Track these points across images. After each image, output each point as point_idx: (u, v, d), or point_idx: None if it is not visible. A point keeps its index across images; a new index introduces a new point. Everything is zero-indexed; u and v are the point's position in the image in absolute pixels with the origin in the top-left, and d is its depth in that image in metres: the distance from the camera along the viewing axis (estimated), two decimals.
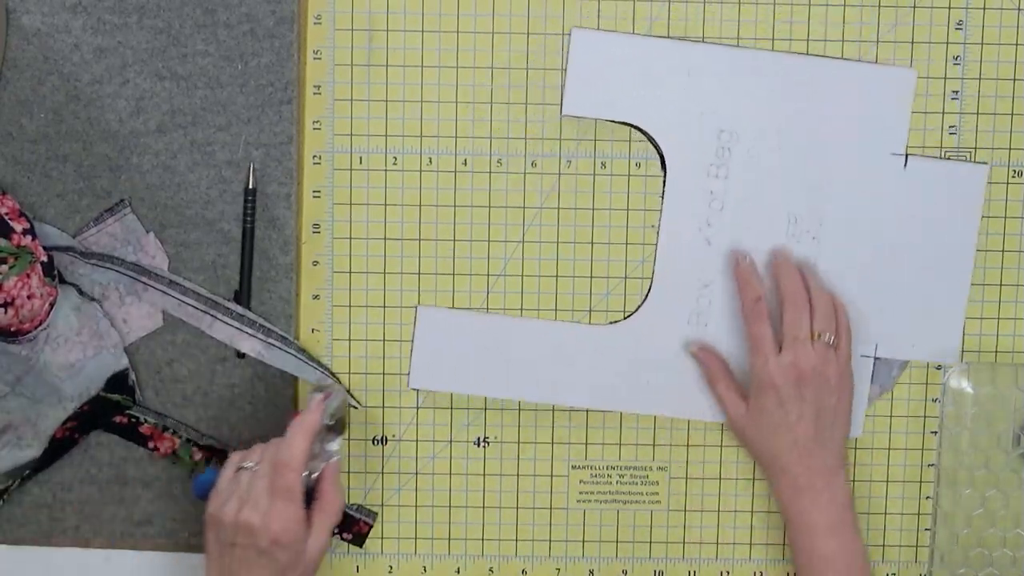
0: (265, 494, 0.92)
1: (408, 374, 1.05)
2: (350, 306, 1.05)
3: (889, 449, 1.06)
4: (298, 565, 0.93)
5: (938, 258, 1.03)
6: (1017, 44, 1.04)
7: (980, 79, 1.04)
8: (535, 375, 1.04)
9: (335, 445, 0.98)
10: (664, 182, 1.03)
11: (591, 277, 1.05)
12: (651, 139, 1.03)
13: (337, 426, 0.99)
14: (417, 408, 1.06)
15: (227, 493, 0.94)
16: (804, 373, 0.97)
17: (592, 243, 1.04)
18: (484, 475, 1.06)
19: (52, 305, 0.98)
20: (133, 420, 1.03)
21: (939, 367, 1.06)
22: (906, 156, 1.03)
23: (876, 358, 1.04)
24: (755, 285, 1.01)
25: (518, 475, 1.07)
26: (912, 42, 1.03)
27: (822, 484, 0.99)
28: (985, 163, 1.04)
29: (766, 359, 0.99)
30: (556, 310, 1.05)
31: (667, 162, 1.03)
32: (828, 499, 0.99)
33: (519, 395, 1.04)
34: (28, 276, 0.96)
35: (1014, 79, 1.04)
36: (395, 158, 1.04)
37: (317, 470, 0.96)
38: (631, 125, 1.03)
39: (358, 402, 1.05)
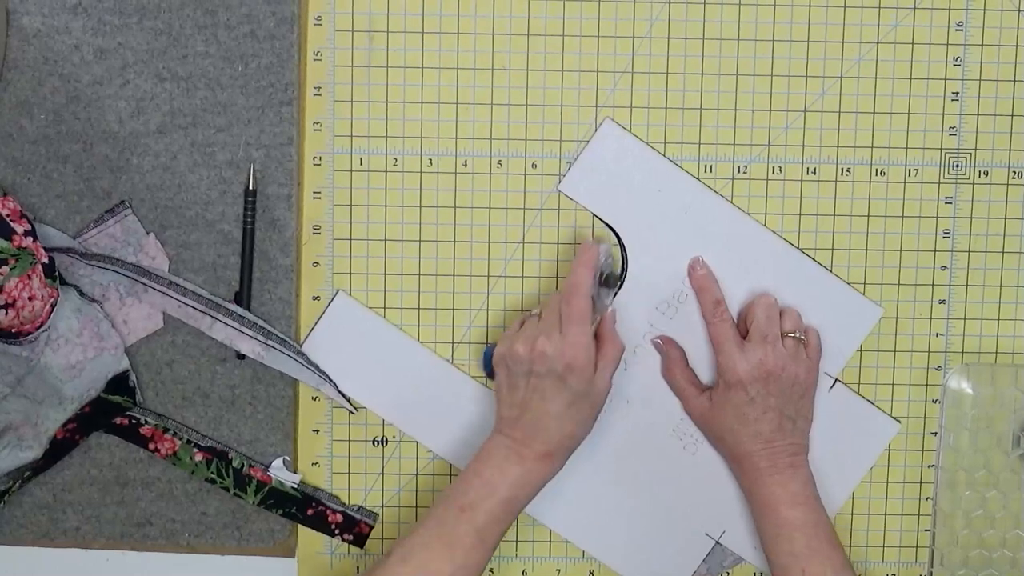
0: (556, 325, 0.96)
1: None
2: None
3: (889, 450, 1.06)
4: (589, 395, 0.97)
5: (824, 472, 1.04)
6: (1017, 45, 1.04)
7: (980, 80, 1.04)
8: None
9: (608, 299, 1.02)
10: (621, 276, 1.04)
11: None
12: (623, 251, 1.03)
13: (609, 280, 1.02)
14: None
15: (518, 334, 0.98)
16: (772, 372, 0.99)
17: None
18: None
19: (53, 306, 0.98)
20: (134, 421, 1.04)
21: (939, 367, 1.06)
22: (835, 381, 1.04)
23: (717, 542, 1.06)
24: (713, 289, 1.02)
25: None
26: (912, 43, 1.03)
27: (784, 464, 1.00)
28: (898, 422, 1.06)
29: (731, 357, 1.00)
30: None
31: (624, 278, 1.04)
32: (790, 476, 1.00)
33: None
34: (29, 277, 0.96)
35: (1014, 80, 1.04)
36: (395, 159, 1.04)
37: (594, 322, 0.98)
38: (612, 229, 1.03)
39: (354, 406, 1.05)
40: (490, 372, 1.04)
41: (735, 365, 0.99)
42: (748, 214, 1.04)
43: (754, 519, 1.02)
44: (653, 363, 1.05)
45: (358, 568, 1.07)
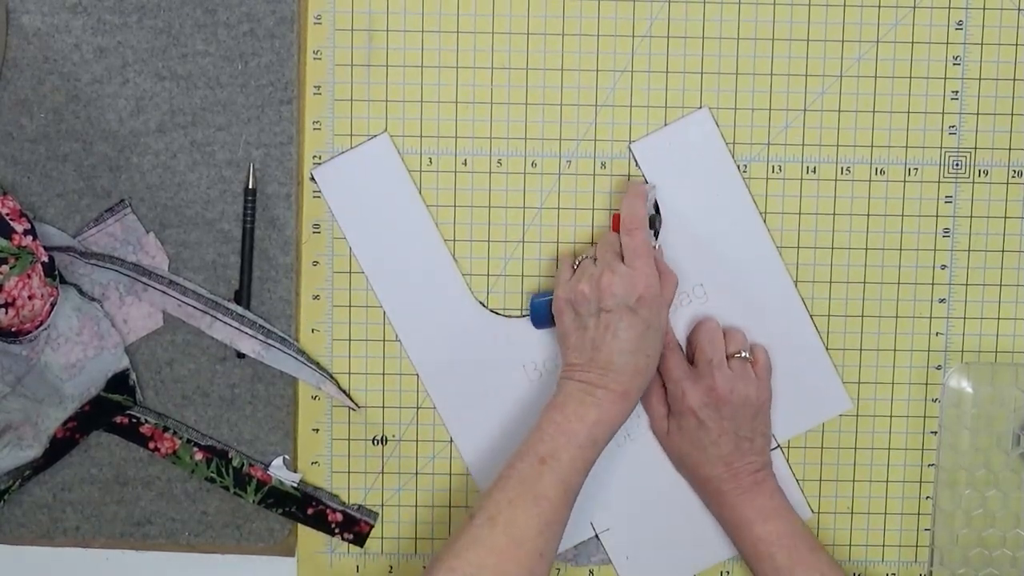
0: (617, 260, 0.96)
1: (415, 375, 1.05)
2: (350, 306, 1.05)
3: (889, 449, 1.07)
4: (656, 324, 0.96)
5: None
6: (1017, 44, 1.04)
7: (980, 79, 1.04)
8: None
9: (653, 240, 1.00)
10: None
11: None
12: (657, 229, 1.03)
13: (654, 222, 1.01)
14: (417, 408, 1.06)
15: (577, 276, 0.97)
16: (721, 396, 0.98)
17: (592, 243, 1.04)
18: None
19: (53, 305, 0.98)
20: (134, 420, 1.04)
21: (939, 367, 1.06)
22: (777, 446, 1.02)
23: (596, 535, 1.06)
24: None
25: None
26: (912, 42, 1.03)
27: (748, 483, 1.00)
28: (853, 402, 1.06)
29: (679, 385, 1.00)
30: None
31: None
32: (756, 492, 1.00)
33: None
34: (29, 276, 0.96)
35: (1014, 79, 1.04)
36: None
37: None
38: (656, 202, 1.03)
39: (356, 403, 1.05)
40: (540, 322, 1.02)
41: (684, 393, 0.99)
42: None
43: (727, 533, 1.02)
44: None
45: (358, 568, 1.07)
